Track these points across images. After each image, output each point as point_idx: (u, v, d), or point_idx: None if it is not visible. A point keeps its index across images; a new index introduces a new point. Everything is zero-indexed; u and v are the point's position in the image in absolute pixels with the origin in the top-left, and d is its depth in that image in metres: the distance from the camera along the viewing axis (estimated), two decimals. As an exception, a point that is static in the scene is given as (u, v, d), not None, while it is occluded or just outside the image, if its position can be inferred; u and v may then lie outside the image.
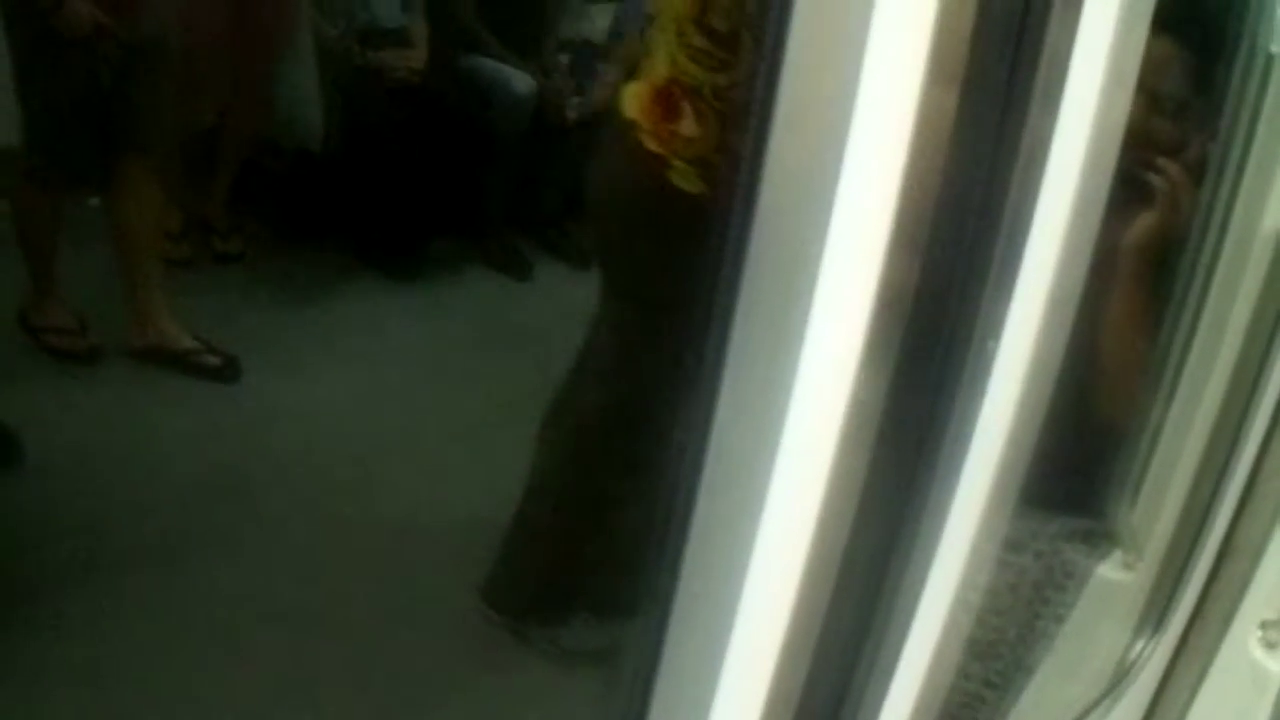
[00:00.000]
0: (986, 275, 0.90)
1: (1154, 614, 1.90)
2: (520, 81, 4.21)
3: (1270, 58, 1.74)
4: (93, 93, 2.86)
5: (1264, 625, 1.93)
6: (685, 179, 2.17)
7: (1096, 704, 1.80)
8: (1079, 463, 2.00)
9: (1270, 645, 1.97)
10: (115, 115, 2.93)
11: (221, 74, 3.42)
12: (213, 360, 3.15)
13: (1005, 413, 0.99)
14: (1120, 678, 1.85)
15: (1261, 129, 1.74)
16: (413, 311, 3.89)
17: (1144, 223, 1.84)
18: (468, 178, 4.20)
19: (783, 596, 0.90)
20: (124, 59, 2.87)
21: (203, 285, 3.53)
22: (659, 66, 2.18)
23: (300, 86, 3.65)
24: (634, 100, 2.22)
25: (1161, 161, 1.82)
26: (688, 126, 2.17)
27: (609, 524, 2.57)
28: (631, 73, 2.31)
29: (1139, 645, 1.88)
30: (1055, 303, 0.97)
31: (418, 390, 3.39)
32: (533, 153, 4.28)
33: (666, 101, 2.16)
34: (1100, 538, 1.99)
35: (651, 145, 2.18)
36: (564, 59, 4.55)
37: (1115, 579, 1.95)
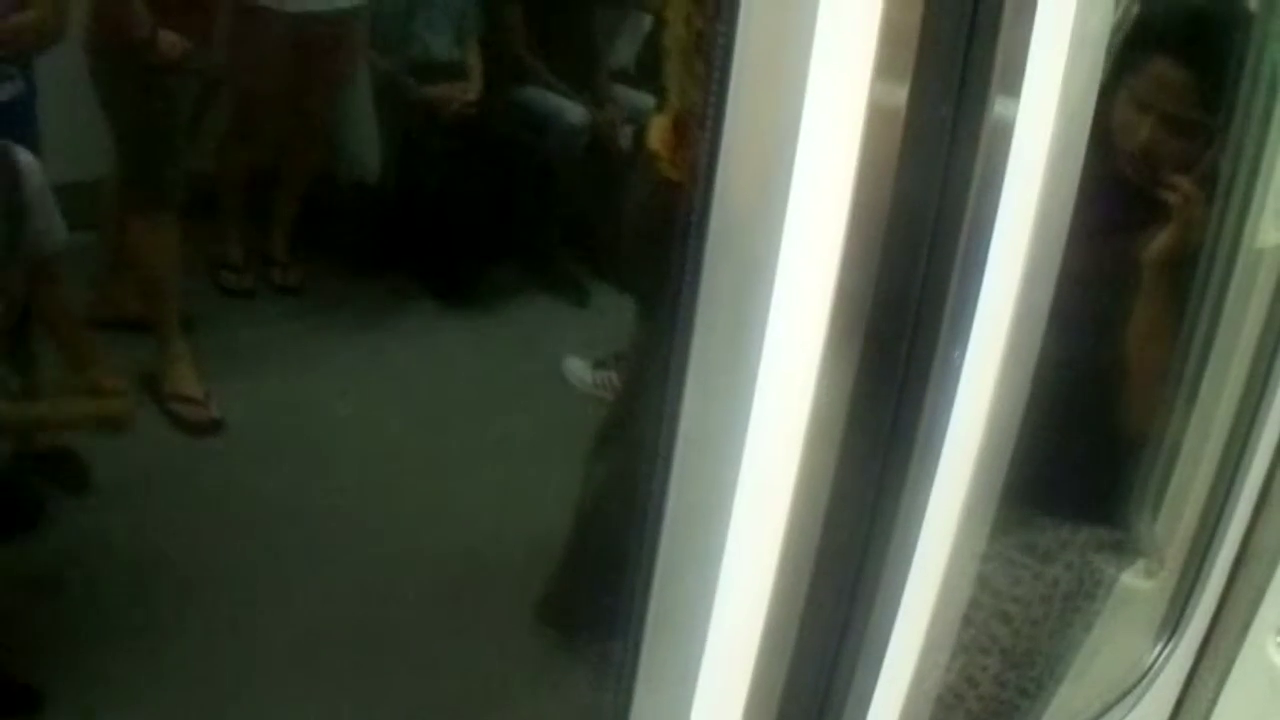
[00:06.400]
0: (947, 283, 0.90)
1: (1173, 619, 1.93)
2: (573, 112, 4.27)
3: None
4: (180, 120, 2.92)
5: (1281, 630, 1.97)
6: None
7: (1114, 705, 1.84)
8: (1105, 474, 2.04)
9: (1288, 649, 2.00)
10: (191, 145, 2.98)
11: (282, 111, 3.50)
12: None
13: (978, 423, 0.99)
14: (1138, 681, 1.89)
15: (1269, 147, 1.79)
16: (472, 337, 3.95)
17: (1161, 241, 1.88)
18: (524, 206, 4.26)
19: (755, 606, 0.93)
20: (202, 89, 2.93)
21: (265, 315, 3.61)
22: (674, 98, 2.26)
23: (358, 121, 3.73)
24: (656, 131, 2.30)
25: (1176, 178, 1.85)
26: (700, 153, 2.22)
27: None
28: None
29: (1159, 650, 1.92)
30: (1025, 310, 0.96)
31: (476, 414, 3.44)
32: (587, 181, 4.33)
33: (682, 130, 2.23)
34: (1127, 547, 2.03)
35: (672, 175, 2.25)
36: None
37: (1137, 586, 1.98)
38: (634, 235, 2.59)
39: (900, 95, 0.82)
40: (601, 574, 2.73)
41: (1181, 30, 1.86)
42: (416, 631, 2.66)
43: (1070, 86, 0.89)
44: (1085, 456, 1.94)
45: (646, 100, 4.60)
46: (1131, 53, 1.77)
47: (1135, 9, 1.75)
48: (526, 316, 4.27)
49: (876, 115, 0.81)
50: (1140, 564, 2.00)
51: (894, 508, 0.99)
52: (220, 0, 2.98)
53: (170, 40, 2.83)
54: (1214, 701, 2.01)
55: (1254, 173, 1.81)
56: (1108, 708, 1.84)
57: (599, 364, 3.86)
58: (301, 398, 3.27)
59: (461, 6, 4.25)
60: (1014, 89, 0.87)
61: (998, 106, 0.87)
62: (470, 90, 4.26)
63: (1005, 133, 0.88)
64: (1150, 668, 1.90)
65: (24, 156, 1.94)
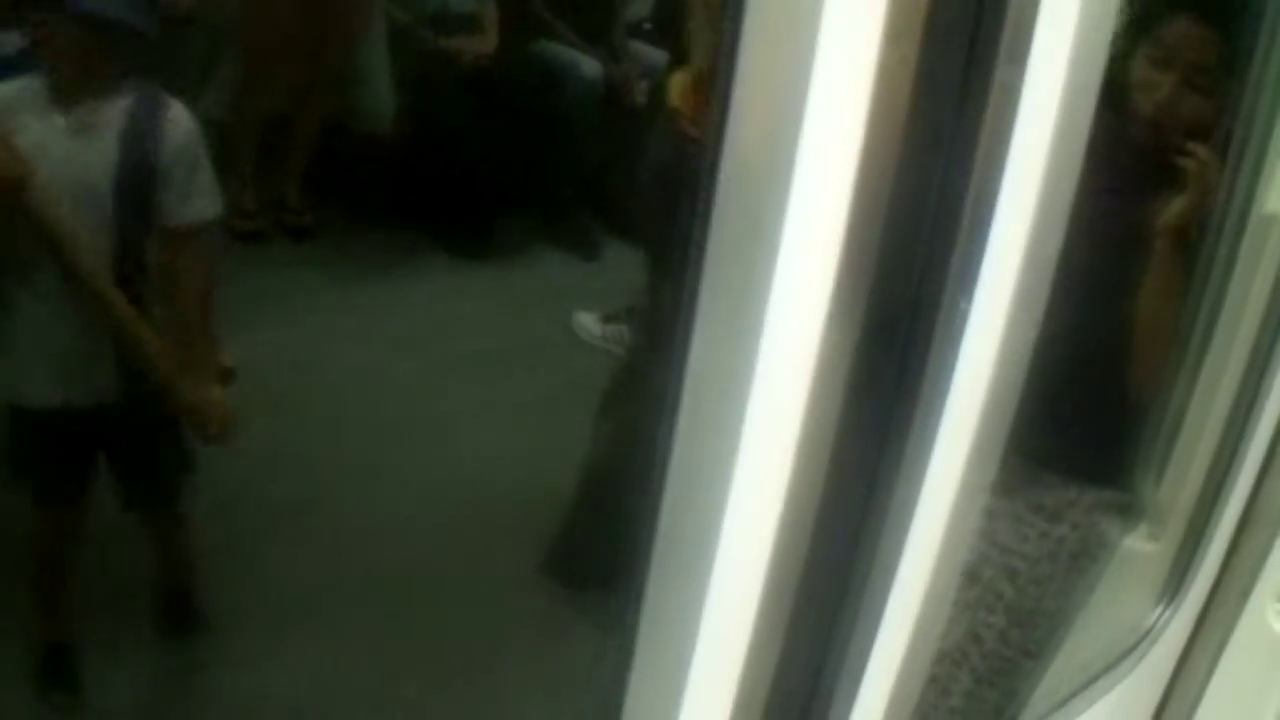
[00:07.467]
0: (954, 236, 0.89)
1: (1174, 583, 1.94)
2: (588, 65, 4.26)
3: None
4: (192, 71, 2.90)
5: (1281, 597, 1.98)
6: None
7: (1114, 667, 1.85)
8: (1110, 436, 2.05)
9: (1287, 616, 2.01)
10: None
11: (295, 62, 3.49)
12: None
13: (983, 374, 1.00)
14: (1138, 643, 1.90)
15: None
16: (483, 289, 3.94)
17: (1173, 206, 1.88)
18: (536, 160, 4.25)
19: (758, 556, 0.95)
20: (210, 41, 2.92)
21: (274, 258, 3.60)
22: (698, 55, 2.25)
23: (373, 72, 3.72)
24: (677, 88, 2.29)
25: (1192, 144, 1.85)
26: (723, 111, 2.22)
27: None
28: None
29: (1159, 613, 1.93)
30: (1032, 263, 0.97)
31: (486, 365, 3.44)
32: (601, 135, 4.31)
33: (705, 87, 2.22)
34: (1131, 510, 2.04)
35: (693, 131, 2.24)
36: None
37: (1140, 549, 1.99)
38: (651, 190, 2.59)
39: (911, 53, 0.82)
40: (607, 527, 2.74)
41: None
42: (421, 584, 2.67)
43: (1081, 40, 0.89)
44: (1093, 417, 1.95)
45: (660, 56, 4.59)
46: (1148, 16, 1.77)
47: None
48: (538, 269, 4.26)
49: (886, 72, 0.81)
50: (1143, 527, 2.01)
51: (898, 457, 0.99)
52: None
53: (178, -9, 2.83)
54: (1213, 665, 2.02)
55: (1265, 140, 1.81)
56: (1107, 669, 1.86)
57: (609, 317, 3.86)
58: (310, 347, 3.27)
59: (478, -41, 4.24)
60: (1024, 44, 0.86)
61: (1007, 61, 0.87)
62: (486, 43, 4.25)
63: (1014, 88, 0.88)
64: (1150, 631, 1.91)
65: (174, 126, 1.88)
